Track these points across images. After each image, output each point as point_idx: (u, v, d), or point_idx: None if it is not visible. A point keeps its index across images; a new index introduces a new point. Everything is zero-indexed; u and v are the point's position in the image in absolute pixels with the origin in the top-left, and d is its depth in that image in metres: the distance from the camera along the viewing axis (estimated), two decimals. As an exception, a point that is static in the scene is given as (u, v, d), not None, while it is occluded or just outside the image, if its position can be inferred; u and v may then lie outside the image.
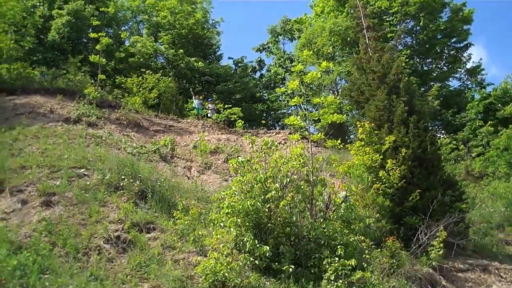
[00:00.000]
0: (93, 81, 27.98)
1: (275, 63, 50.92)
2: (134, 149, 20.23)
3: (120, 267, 10.75)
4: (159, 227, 13.04)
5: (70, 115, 21.79)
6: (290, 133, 25.63)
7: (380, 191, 16.90)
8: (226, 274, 10.10)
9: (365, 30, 25.39)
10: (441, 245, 15.09)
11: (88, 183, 14.64)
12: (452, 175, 22.29)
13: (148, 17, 45.97)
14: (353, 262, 11.33)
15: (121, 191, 14.57)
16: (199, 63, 41.10)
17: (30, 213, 12.74)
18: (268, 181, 12.56)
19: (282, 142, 24.96)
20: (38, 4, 35.91)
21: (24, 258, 9.08)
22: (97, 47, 26.44)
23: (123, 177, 15.06)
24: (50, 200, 13.30)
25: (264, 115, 44.93)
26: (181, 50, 41.24)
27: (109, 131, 21.58)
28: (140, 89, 31.75)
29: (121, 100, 27.76)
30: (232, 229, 11.96)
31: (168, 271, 10.36)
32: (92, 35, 27.55)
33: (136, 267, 10.72)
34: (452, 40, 43.59)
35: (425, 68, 44.68)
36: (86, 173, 15.47)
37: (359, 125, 19.20)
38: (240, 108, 33.73)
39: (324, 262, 11.48)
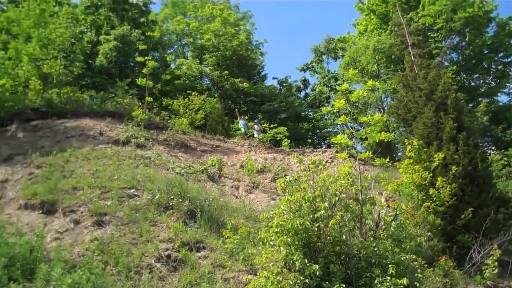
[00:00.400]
0: (140, 103, 28.47)
1: (320, 82, 50.75)
2: (182, 169, 20.39)
3: (172, 285, 10.85)
4: (209, 246, 13.12)
5: (119, 137, 22.16)
6: (337, 152, 25.42)
7: (431, 209, 16.61)
8: (277, 293, 10.04)
9: (410, 47, 25.22)
10: (496, 263, 14.71)
11: (138, 203, 14.89)
12: (504, 192, 21.74)
13: (192, 40, 46.55)
14: (405, 281, 11.10)
15: (171, 210, 14.75)
16: (244, 83, 41.36)
17: (83, 232, 13.02)
18: (317, 200, 12.44)
19: (329, 161, 24.82)
20: (86, 30, 36.84)
21: (78, 277, 9.20)
22: (144, 70, 26.92)
23: (172, 197, 15.27)
24: (102, 220, 13.58)
25: (310, 134, 44.75)
26: (226, 72, 41.55)
27: (157, 152, 21.84)
28: (187, 110, 32.04)
29: (168, 121, 28.05)
30: (281, 248, 11.90)
31: (219, 289, 10.39)
32: (139, 59, 28.05)
33: (187, 286, 10.81)
34: (500, 55, 42.62)
35: (473, 83, 43.78)
36: (136, 193, 15.73)
37: (407, 143, 18.98)
38: (286, 127, 33.79)
39: (375, 281, 11.28)
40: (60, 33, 27.48)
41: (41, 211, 14.09)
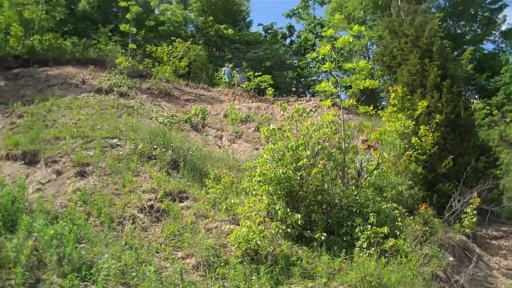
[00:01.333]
0: (123, 50, 28.08)
1: (305, 29, 50.13)
2: (166, 118, 20.31)
3: (154, 236, 10.89)
4: (192, 196, 13.13)
5: (102, 85, 21.97)
6: (321, 100, 25.40)
7: (413, 158, 16.63)
8: (259, 242, 10.12)
9: (397, -7, 24.94)
10: (475, 212, 14.81)
11: (121, 153, 14.80)
12: (486, 141, 21.83)
13: (178, -16, 45.68)
14: (385, 229, 11.28)
15: (154, 160, 14.70)
16: (229, 30, 40.84)
17: (65, 183, 12.97)
18: (300, 149, 12.43)
19: (313, 110, 24.79)
20: (68, -26, 35.97)
21: (60, 228, 9.16)
22: (127, 16, 26.51)
23: (155, 146, 15.20)
24: (84, 170, 13.49)
25: (295, 82, 44.45)
26: (210, 18, 40.85)
27: (140, 101, 21.70)
28: (171, 58, 31.69)
29: (152, 69, 27.71)
30: (264, 197, 11.99)
31: (201, 239, 10.42)
32: (122, 3, 27.45)
33: (169, 236, 10.83)
34: (487, 1, 42.22)
35: (459, 31, 43.42)
36: (119, 143, 15.63)
37: (391, 90, 18.91)
38: (270, 76, 33.50)
39: (356, 230, 11.45)
40: (43, -23, 26.93)
41: (23, 162, 13.97)
